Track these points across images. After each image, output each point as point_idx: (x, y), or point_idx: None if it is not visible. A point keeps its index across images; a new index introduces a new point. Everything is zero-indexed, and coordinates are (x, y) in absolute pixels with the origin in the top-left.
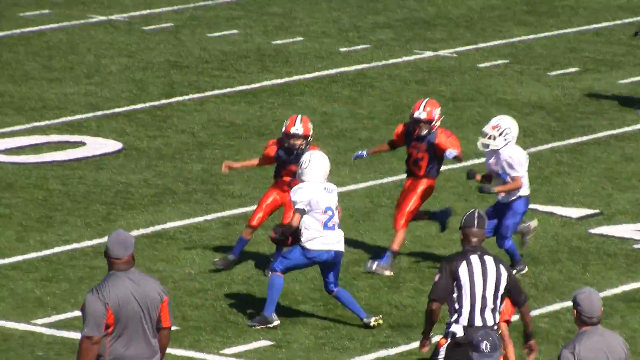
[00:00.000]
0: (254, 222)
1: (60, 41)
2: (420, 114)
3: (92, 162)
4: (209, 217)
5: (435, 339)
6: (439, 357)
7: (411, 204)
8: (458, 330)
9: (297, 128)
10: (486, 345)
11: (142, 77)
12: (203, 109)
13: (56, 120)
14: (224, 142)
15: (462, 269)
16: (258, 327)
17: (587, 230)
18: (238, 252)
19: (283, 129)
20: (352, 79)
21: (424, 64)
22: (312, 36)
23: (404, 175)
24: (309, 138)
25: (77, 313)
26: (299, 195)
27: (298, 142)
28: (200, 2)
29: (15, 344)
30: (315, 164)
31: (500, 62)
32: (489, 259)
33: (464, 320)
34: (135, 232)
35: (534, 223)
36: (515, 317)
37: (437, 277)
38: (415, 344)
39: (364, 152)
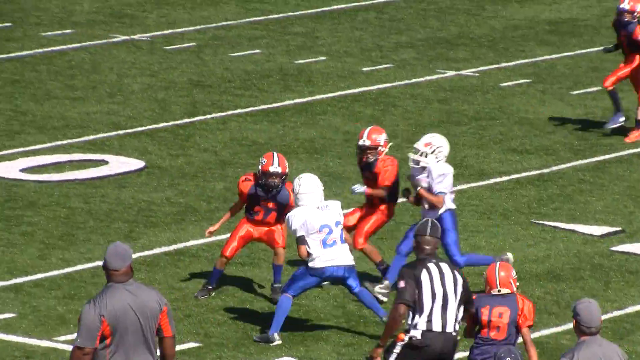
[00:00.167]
0: (228, 253)
1: (83, 60)
2: (364, 141)
3: (115, 180)
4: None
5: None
6: (395, 350)
7: (369, 224)
8: (417, 334)
9: (276, 167)
10: None
11: (165, 97)
12: (225, 128)
13: (79, 139)
14: (246, 160)
15: (424, 276)
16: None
17: (609, 248)
18: (214, 282)
19: (260, 167)
20: (374, 98)
21: (447, 84)
22: (334, 55)
23: None
24: (286, 176)
25: None
26: (293, 223)
27: (276, 180)
28: (223, 22)
29: None
30: (304, 187)
31: (522, 81)
32: (445, 266)
33: (422, 325)
34: (157, 250)
35: (507, 256)
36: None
37: (402, 284)
38: None
39: (362, 188)
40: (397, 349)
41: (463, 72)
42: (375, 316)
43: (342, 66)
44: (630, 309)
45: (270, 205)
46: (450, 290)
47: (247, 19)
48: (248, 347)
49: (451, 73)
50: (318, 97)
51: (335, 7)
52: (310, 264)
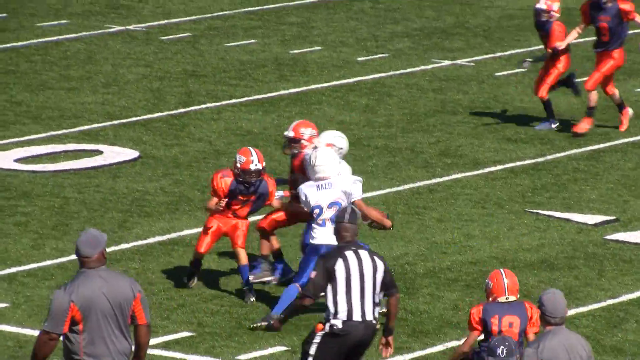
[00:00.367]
0: (202, 250)
1: (78, 51)
2: (289, 132)
3: (109, 170)
4: None
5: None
6: (314, 341)
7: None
8: (337, 323)
9: (256, 164)
10: (502, 350)
11: (160, 87)
12: (220, 118)
13: (73, 129)
14: None
15: (339, 265)
16: (261, 324)
17: (603, 237)
18: (198, 270)
19: (239, 165)
20: (369, 87)
21: (442, 73)
22: (329, 45)
23: (421, 183)
24: (264, 169)
25: None
26: (300, 197)
27: (257, 176)
28: (218, 12)
29: (31, 351)
30: (320, 160)
31: (517, 70)
32: (364, 253)
33: (342, 315)
34: (151, 240)
35: (270, 277)
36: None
37: (313, 274)
38: (432, 350)
39: (280, 193)
40: (317, 339)
41: (458, 61)
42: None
43: (337, 56)
44: (624, 298)
45: (252, 198)
46: (369, 278)
47: (243, 9)
48: (241, 337)
49: (446, 62)
50: (313, 86)
51: None
52: (310, 241)
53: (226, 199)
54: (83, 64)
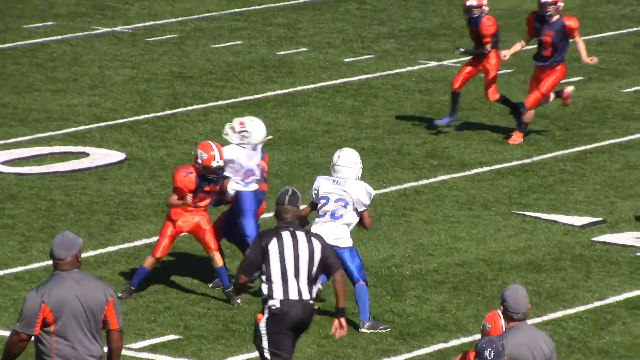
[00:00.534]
0: (159, 254)
1: (65, 53)
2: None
3: (95, 172)
4: None
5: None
6: (261, 332)
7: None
8: (275, 303)
9: (218, 161)
10: (490, 352)
11: (146, 88)
12: (207, 120)
13: (60, 131)
14: None
15: (272, 245)
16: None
17: (590, 238)
18: (137, 282)
19: (200, 162)
20: (356, 89)
21: (428, 74)
22: (316, 47)
23: (408, 185)
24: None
25: None
26: (314, 187)
27: (219, 171)
28: (204, 14)
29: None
30: (342, 160)
31: (504, 71)
32: (300, 235)
33: (279, 294)
34: (138, 242)
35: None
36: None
37: (247, 252)
38: (419, 352)
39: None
40: (263, 330)
41: (445, 62)
42: (355, 308)
43: (323, 57)
44: (611, 299)
45: (216, 188)
46: (304, 258)
47: (229, 11)
48: (228, 340)
49: (433, 64)
50: (299, 88)
51: None
52: None
53: (191, 195)
54: (69, 66)
